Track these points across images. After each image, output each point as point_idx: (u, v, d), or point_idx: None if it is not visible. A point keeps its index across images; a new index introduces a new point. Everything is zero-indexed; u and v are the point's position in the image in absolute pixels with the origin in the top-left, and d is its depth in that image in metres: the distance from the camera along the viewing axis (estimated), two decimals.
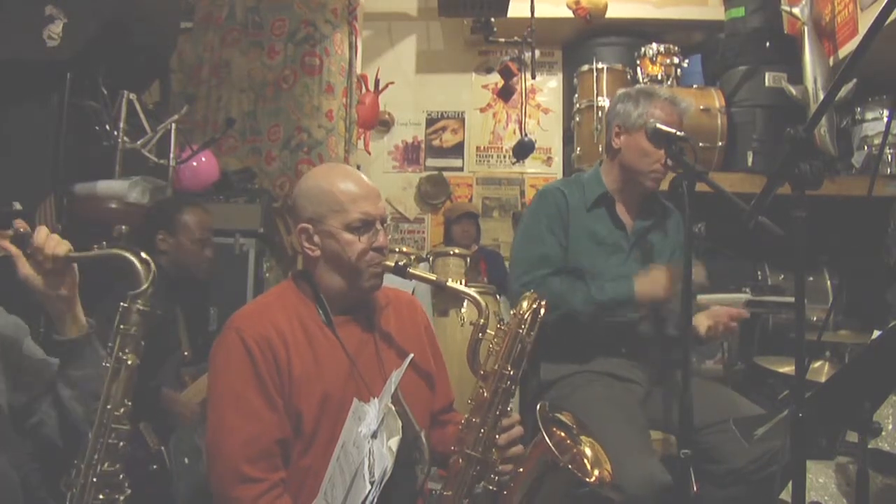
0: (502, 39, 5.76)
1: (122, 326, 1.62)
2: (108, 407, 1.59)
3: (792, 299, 1.78)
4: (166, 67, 4.26)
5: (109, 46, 3.17)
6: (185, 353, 3.11)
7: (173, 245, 3.16)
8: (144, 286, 1.63)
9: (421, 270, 2.05)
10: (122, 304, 1.63)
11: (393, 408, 1.83)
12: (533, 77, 5.69)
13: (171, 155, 3.62)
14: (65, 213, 3.02)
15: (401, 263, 1.96)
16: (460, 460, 1.83)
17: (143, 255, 1.67)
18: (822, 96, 3.88)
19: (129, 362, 1.61)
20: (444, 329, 4.48)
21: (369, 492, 1.71)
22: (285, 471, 1.80)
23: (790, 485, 1.64)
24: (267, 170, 4.97)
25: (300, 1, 5.16)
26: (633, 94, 2.70)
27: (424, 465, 1.86)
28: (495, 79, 6.17)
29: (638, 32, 5.59)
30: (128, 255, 1.65)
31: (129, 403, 1.61)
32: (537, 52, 5.67)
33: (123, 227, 3.27)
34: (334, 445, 1.81)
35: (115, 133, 3.28)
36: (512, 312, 1.95)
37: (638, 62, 4.69)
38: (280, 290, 2.02)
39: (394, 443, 1.77)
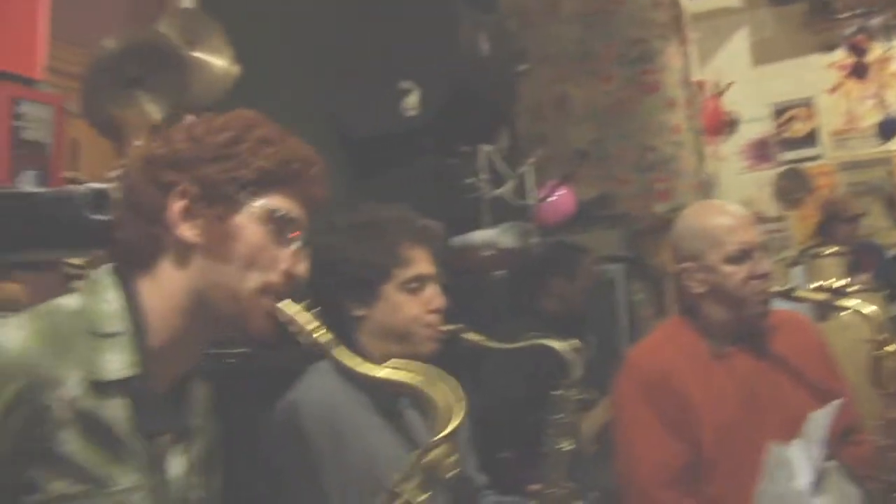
0: (846, 14, 5.36)
1: (554, 416, 1.77)
2: None
3: None
4: (511, 114, 4.48)
5: (461, 109, 3.42)
6: None
7: (569, 292, 3.37)
8: (577, 375, 1.76)
9: (808, 292, 2.03)
10: (554, 392, 1.77)
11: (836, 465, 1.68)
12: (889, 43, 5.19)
13: (534, 194, 3.80)
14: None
15: (785, 288, 1.95)
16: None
17: (574, 343, 1.78)
18: None
19: (565, 448, 1.75)
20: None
21: None
22: (694, 498, 1.85)
23: None
24: (622, 193, 5.01)
25: (627, 21, 5.18)
26: None
27: None
28: (840, 55, 5.75)
29: None
30: (555, 346, 1.77)
31: None
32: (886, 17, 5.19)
33: (498, 272, 3.50)
34: (739, 474, 1.80)
35: (480, 185, 3.52)
36: None
37: None
38: (669, 326, 2.11)
39: None
